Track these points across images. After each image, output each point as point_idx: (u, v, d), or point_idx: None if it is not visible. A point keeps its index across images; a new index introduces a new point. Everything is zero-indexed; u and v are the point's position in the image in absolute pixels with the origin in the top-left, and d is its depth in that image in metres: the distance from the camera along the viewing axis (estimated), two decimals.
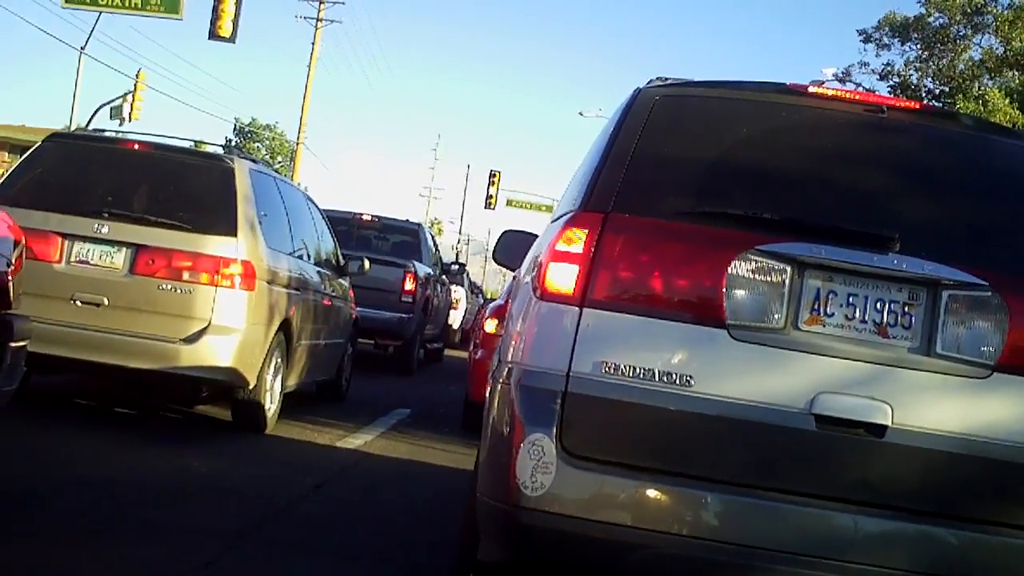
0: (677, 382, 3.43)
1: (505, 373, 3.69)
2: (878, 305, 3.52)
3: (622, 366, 3.44)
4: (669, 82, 4.17)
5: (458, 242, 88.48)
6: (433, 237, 20.35)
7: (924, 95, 36.45)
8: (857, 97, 4.16)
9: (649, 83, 4.17)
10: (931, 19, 35.67)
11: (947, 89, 35.66)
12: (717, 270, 3.49)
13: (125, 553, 4.83)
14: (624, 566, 3.45)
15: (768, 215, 3.60)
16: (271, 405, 8.77)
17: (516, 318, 3.94)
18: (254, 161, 9.49)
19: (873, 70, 37.57)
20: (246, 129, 74.63)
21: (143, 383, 8.72)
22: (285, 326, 8.84)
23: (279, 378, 8.92)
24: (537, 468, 3.41)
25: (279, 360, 8.86)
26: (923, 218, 3.71)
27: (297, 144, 45.68)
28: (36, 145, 8.84)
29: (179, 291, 7.89)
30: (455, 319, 23.52)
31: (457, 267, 22.27)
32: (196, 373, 7.97)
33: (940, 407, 3.44)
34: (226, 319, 7.93)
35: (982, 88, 32.83)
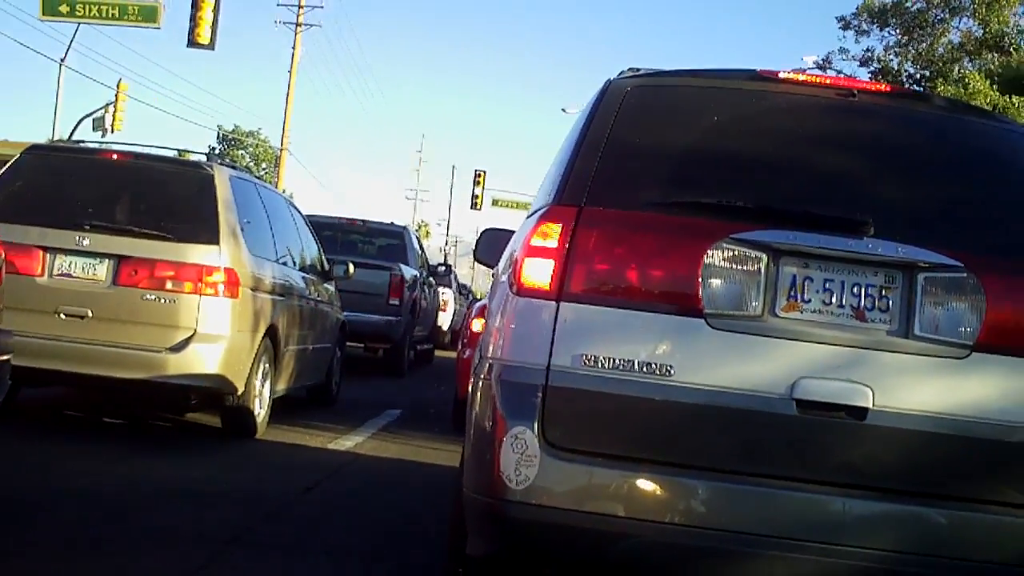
0: (657, 372, 3.44)
1: (486, 369, 3.70)
2: (855, 289, 3.54)
3: (601, 358, 3.46)
4: (640, 73, 4.18)
5: (446, 244, 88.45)
6: (419, 239, 20.44)
7: (905, 80, 36.50)
8: (828, 82, 4.18)
9: (620, 74, 4.18)
10: (909, 4, 35.74)
11: (928, 73, 35.73)
12: (693, 260, 3.50)
13: (118, 563, 4.84)
14: (611, 556, 3.46)
15: (742, 203, 3.61)
16: (260, 410, 8.81)
17: (495, 314, 3.96)
18: (234, 168, 9.53)
19: (853, 56, 37.62)
20: (229, 136, 74.47)
21: (131, 393, 8.74)
22: (271, 332, 8.89)
23: (268, 383, 8.96)
24: (521, 461, 3.42)
25: (267, 366, 8.89)
26: (897, 201, 3.73)
27: (281, 150, 45.61)
28: (14, 158, 8.82)
29: (163, 301, 7.89)
30: (444, 320, 23.61)
31: (444, 268, 22.34)
32: (184, 381, 7.95)
33: (920, 388, 3.46)
34: (211, 327, 7.95)
35: (962, 71, 32.90)
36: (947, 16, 35.61)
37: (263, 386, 8.84)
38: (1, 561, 4.66)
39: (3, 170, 8.76)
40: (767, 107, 3.99)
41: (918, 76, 36.43)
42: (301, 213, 11.40)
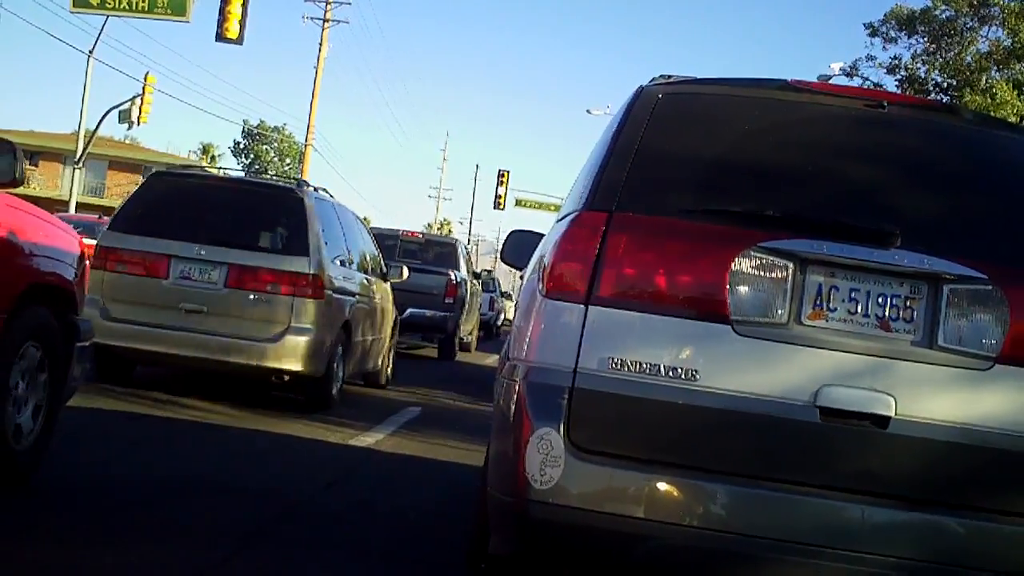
0: (683, 377, 3.48)
1: (513, 370, 3.75)
2: (880, 299, 3.56)
3: (628, 362, 3.49)
4: (672, 80, 4.22)
5: (468, 243, 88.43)
6: (467, 249, 24.72)
7: (932, 88, 36.38)
8: (858, 92, 4.20)
9: (652, 81, 4.22)
10: (937, 12, 35.56)
11: (955, 82, 35.58)
12: (721, 267, 3.54)
13: (141, 553, 4.88)
14: (633, 557, 3.50)
15: (770, 212, 3.64)
16: (335, 390, 10.69)
17: (523, 316, 3.98)
18: (316, 190, 11.27)
19: (880, 64, 37.50)
20: (254, 131, 74.82)
21: (236, 374, 10.40)
22: (345, 326, 10.75)
23: (341, 367, 10.79)
24: (546, 462, 3.46)
25: (341, 353, 10.71)
26: (924, 213, 3.75)
27: (306, 146, 45.74)
28: (143, 182, 11.11)
29: (264, 300, 9.78)
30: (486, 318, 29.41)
31: (486, 273, 27.46)
32: (279, 365, 9.79)
33: (943, 398, 3.49)
34: (302, 322, 9.80)
35: (990, 81, 32.76)
36: (976, 25, 35.44)
37: (338, 369, 10.67)
38: (18, 551, 4.67)
39: (135, 191, 10.93)
40: (797, 117, 4.02)
41: (945, 85, 36.26)
42: (363, 223, 13.39)
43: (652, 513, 3.45)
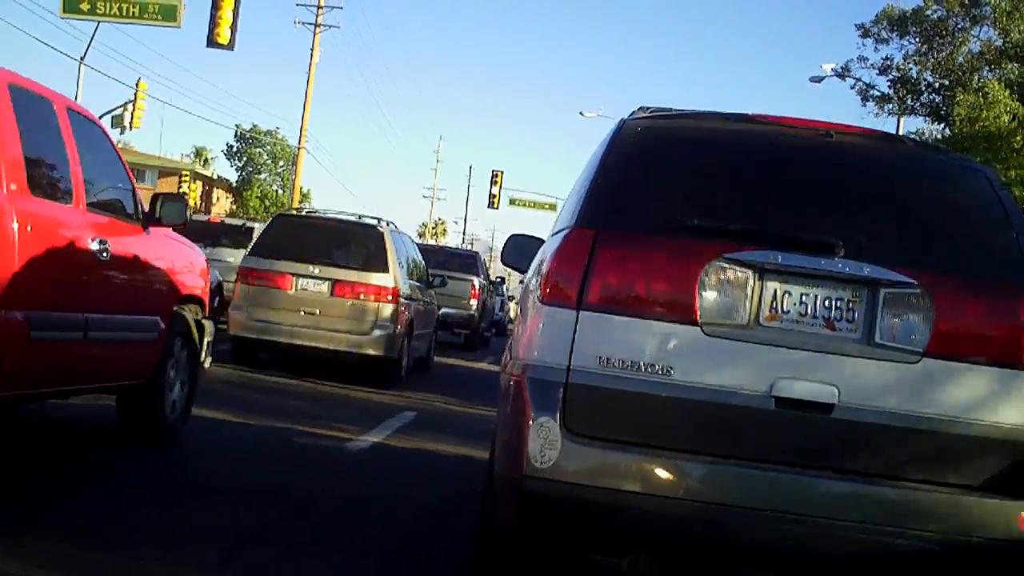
0: (660, 372, 4.08)
1: (516, 367, 4.36)
2: (826, 303, 4.17)
3: (614, 359, 4.10)
4: (650, 112, 4.86)
5: (462, 242, 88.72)
6: (485, 261, 30.15)
7: (924, 88, 36.65)
8: (809, 124, 4.82)
9: (632, 114, 4.86)
10: (929, 12, 35.63)
11: (947, 82, 35.79)
12: (691, 276, 4.14)
13: (139, 554, 5.02)
14: (620, 524, 4.12)
15: (734, 227, 4.25)
16: (403, 370, 15.07)
17: (524, 319, 4.62)
18: (389, 224, 15.51)
19: (872, 64, 37.67)
20: (247, 135, 74.82)
21: (340, 358, 14.44)
22: (409, 323, 15.07)
23: (407, 352, 15.15)
24: (545, 445, 4.07)
25: (407, 343, 15.06)
26: (864, 227, 4.34)
27: (299, 149, 45.96)
28: (271, 220, 16.42)
29: (359, 306, 14.11)
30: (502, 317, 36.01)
31: (499, 280, 34.51)
32: (370, 351, 14.17)
33: (879, 388, 4.09)
34: (385, 321, 14.16)
35: (982, 80, 32.90)
36: (967, 25, 35.58)
37: (407, 355, 15.19)
38: (16, 551, 4.77)
39: (265, 226, 16.14)
40: (757, 145, 4.65)
41: (937, 85, 36.47)
42: (416, 244, 18.19)
43: (636, 487, 4.06)
